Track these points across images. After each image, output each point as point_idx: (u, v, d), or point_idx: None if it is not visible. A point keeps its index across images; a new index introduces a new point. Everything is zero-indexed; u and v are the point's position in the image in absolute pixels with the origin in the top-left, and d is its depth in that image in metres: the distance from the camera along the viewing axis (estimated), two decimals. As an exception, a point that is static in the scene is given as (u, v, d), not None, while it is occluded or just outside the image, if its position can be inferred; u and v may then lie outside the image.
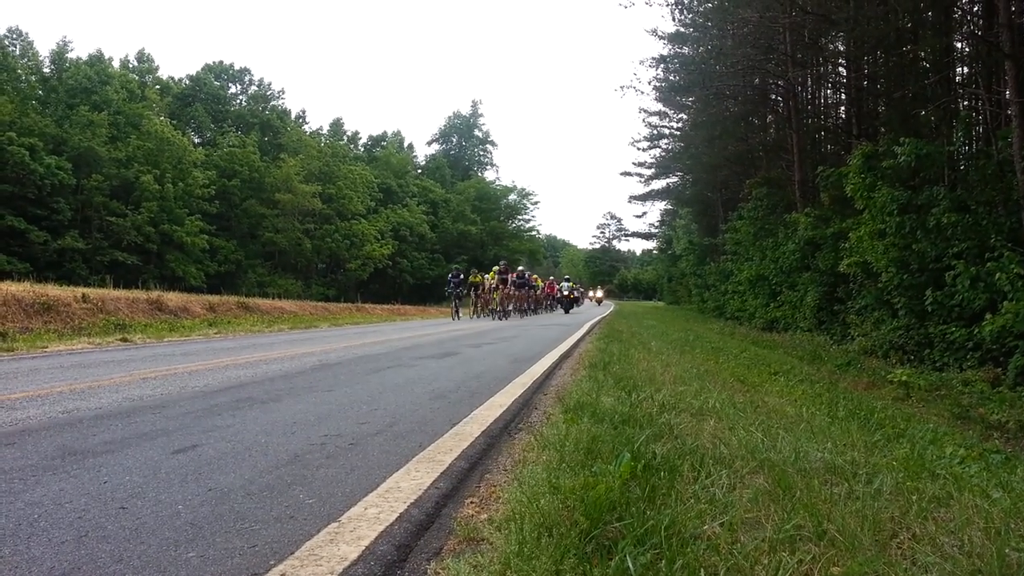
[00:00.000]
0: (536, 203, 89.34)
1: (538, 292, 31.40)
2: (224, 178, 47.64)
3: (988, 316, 9.84)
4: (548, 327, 17.10)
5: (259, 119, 57.79)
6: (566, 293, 33.44)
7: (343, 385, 5.45)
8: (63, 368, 6.53)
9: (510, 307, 24.40)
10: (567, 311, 32.37)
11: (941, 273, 11.47)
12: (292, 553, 1.85)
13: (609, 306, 47.66)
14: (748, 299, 24.10)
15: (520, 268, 27.21)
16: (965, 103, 15.63)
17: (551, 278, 39.19)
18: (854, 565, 1.82)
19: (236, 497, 2.38)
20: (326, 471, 2.74)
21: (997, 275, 9.87)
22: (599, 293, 62.19)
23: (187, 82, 57.08)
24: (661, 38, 27.15)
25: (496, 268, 23.98)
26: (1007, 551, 1.99)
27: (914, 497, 2.52)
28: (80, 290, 16.13)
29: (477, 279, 24.60)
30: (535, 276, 32.63)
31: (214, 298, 22.10)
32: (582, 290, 61.98)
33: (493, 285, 23.37)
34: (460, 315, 22.64)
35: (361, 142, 70.61)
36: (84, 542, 1.94)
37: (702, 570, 1.75)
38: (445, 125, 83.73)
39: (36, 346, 9.10)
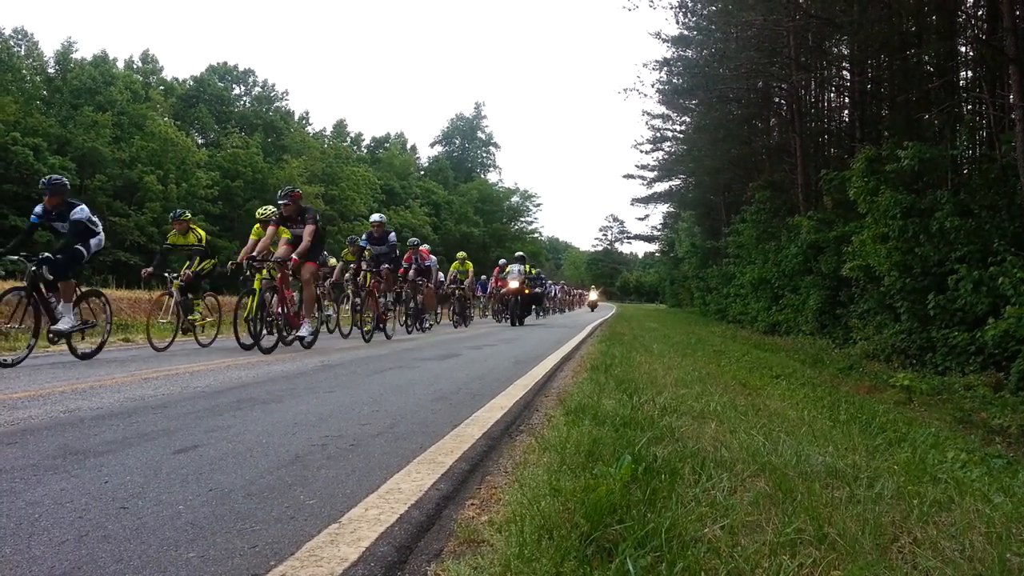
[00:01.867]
0: (539, 205, 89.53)
1: (462, 285, 18.06)
2: (227, 179, 47.73)
3: (991, 320, 9.83)
4: (551, 329, 17.04)
5: (263, 120, 57.91)
6: (515, 286, 18.58)
7: (344, 386, 5.45)
8: (64, 367, 6.54)
9: (388, 313, 12.34)
10: (517, 321, 18.40)
11: (944, 277, 11.47)
12: (292, 554, 1.85)
13: (610, 309, 47.11)
14: (750, 302, 24.09)
15: (388, 230, 12.97)
16: (969, 107, 15.63)
17: (502, 261, 22.86)
18: (855, 569, 1.81)
19: (237, 497, 2.38)
20: (327, 472, 2.74)
21: (1000, 279, 9.86)
22: (593, 295, 51.25)
23: (191, 83, 57.22)
24: (664, 41, 27.13)
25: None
26: (1008, 555, 1.98)
27: (915, 501, 2.52)
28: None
29: (262, 232, 9.50)
30: (462, 263, 18.80)
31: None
32: (578, 292, 53.39)
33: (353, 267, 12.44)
34: (200, 330, 9.79)
35: (364, 143, 70.77)
36: (85, 542, 1.94)
37: (702, 573, 1.74)
38: (448, 127, 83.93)
39: (38, 345, 9.09)
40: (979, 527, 2.27)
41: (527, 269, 20.01)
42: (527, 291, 19.37)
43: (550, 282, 36.22)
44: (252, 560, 1.82)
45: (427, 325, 14.93)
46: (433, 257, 16.56)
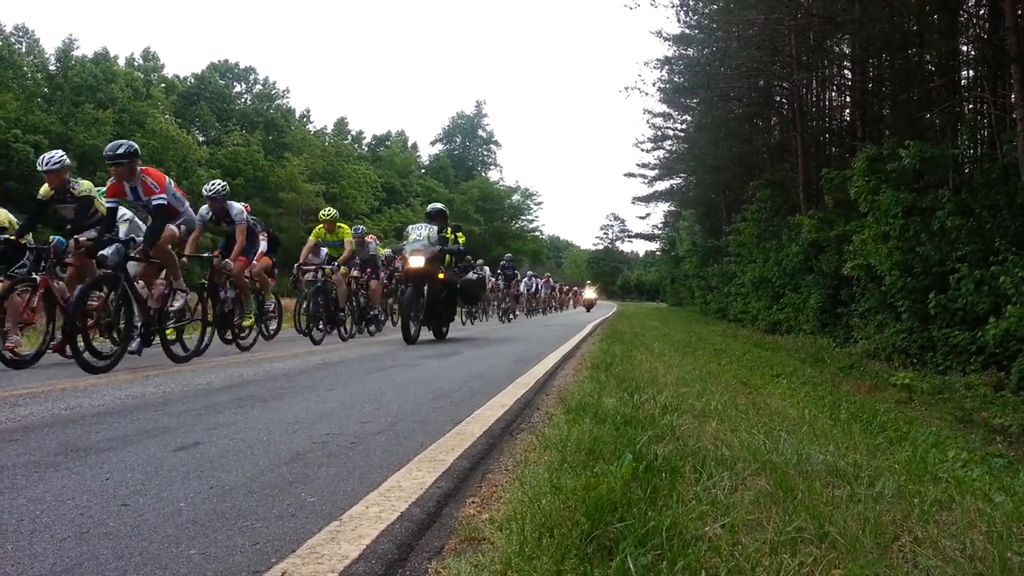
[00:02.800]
0: (540, 203, 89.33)
1: (325, 266, 10.87)
2: (228, 177, 47.63)
3: (992, 320, 9.84)
4: (550, 328, 17.02)
5: (263, 118, 57.94)
6: (416, 264, 10.01)
7: (345, 384, 5.45)
8: (65, 365, 6.53)
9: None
10: (414, 329, 9.97)
11: (945, 276, 11.48)
12: (293, 551, 1.85)
13: (610, 308, 46.49)
14: (751, 301, 24.10)
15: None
16: (970, 106, 15.64)
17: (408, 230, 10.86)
18: (855, 568, 1.81)
19: (238, 495, 2.38)
20: (328, 470, 2.74)
21: (1001, 279, 9.87)
22: (589, 293, 42.89)
23: (192, 81, 57.26)
24: (666, 39, 27.24)
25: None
26: (1009, 555, 1.98)
27: (916, 500, 2.52)
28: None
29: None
30: (332, 227, 11.57)
31: (217, 296, 22.07)
32: (570, 289, 44.52)
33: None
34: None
35: (365, 141, 70.82)
36: (86, 539, 1.94)
37: (703, 571, 1.74)
38: (449, 125, 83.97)
39: (39, 342, 9.09)
40: (980, 526, 2.27)
41: (448, 236, 10.92)
42: (442, 276, 10.35)
43: (531, 274, 30.37)
44: (253, 557, 1.82)
45: (145, 340, 6.62)
46: (240, 208, 8.82)
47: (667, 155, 42.28)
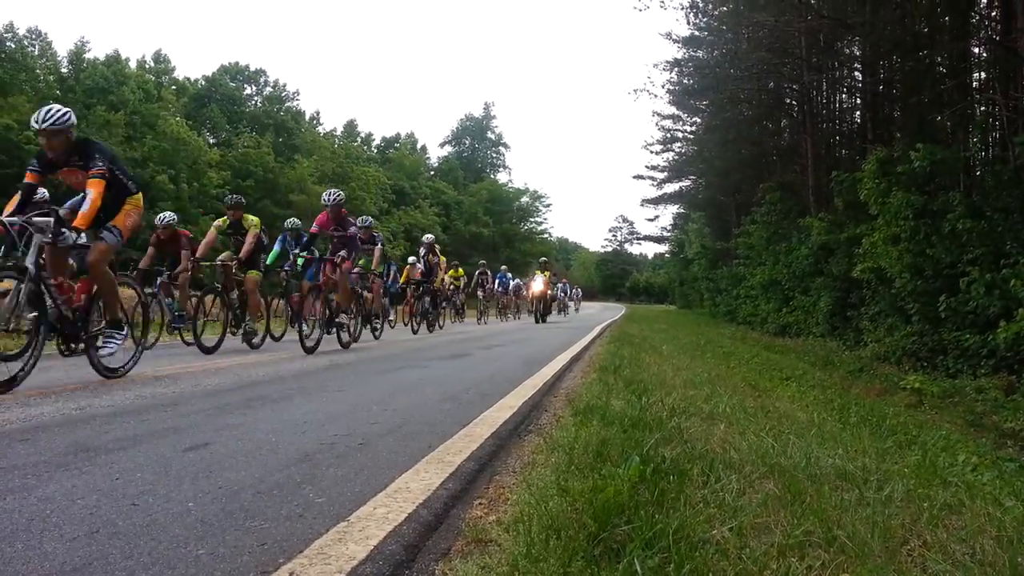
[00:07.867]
0: (548, 205, 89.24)
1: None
2: (239, 179, 47.86)
3: (1003, 323, 9.77)
4: (560, 328, 16.99)
5: (274, 120, 58.07)
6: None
7: (353, 385, 5.46)
8: (76, 366, 6.57)
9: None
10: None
11: (956, 279, 11.40)
12: (301, 552, 1.86)
13: (618, 311, 46.46)
14: (760, 304, 24.01)
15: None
16: (982, 108, 15.52)
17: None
18: (864, 571, 1.81)
19: (246, 495, 2.39)
20: (336, 470, 2.75)
21: (1012, 282, 9.81)
22: (538, 283, 21.43)
23: (203, 83, 57.45)
24: (675, 41, 27.10)
25: None
26: (1019, 559, 1.97)
27: (925, 504, 2.50)
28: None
29: None
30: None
31: (227, 298, 22.11)
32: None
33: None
34: None
35: (375, 144, 70.85)
36: (95, 538, 1.95)
37: (710, 574, 1.74)
38: (458, 127, 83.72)
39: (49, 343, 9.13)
40: (990, 531, 2.26)
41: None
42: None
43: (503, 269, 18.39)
44: (261, 558, 1.83)
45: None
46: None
47: (676, 157, 42.11)
